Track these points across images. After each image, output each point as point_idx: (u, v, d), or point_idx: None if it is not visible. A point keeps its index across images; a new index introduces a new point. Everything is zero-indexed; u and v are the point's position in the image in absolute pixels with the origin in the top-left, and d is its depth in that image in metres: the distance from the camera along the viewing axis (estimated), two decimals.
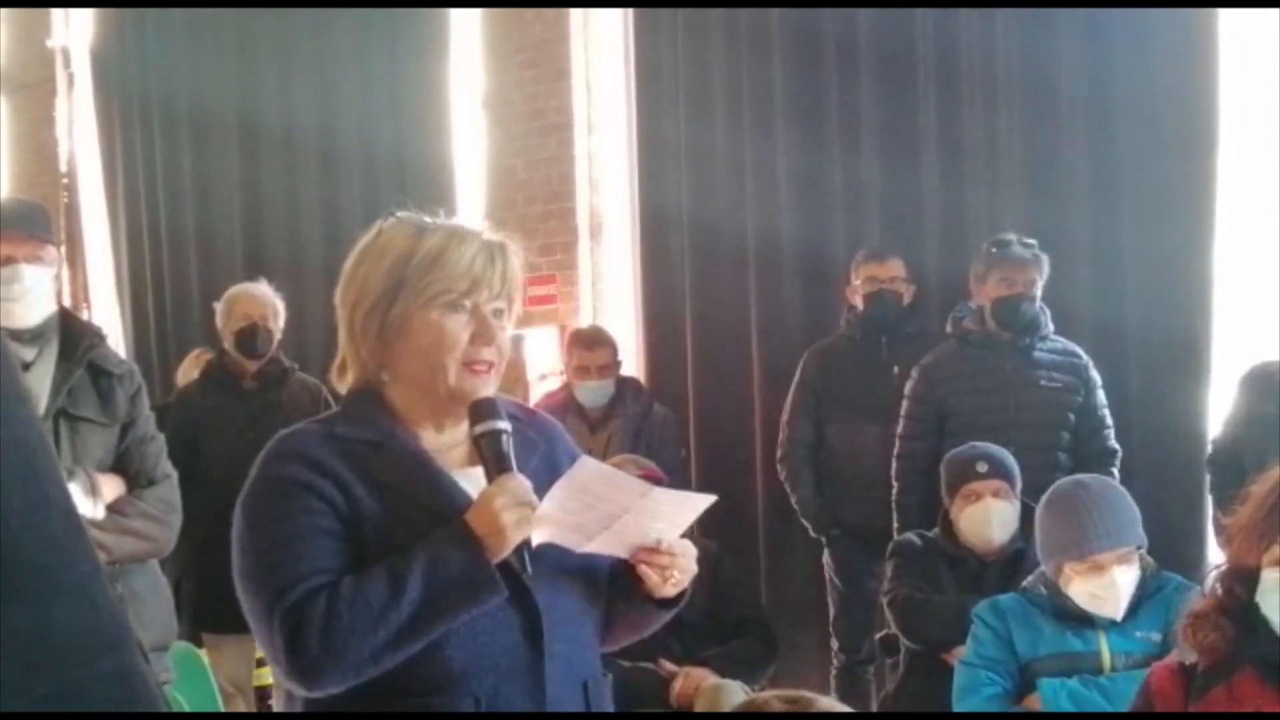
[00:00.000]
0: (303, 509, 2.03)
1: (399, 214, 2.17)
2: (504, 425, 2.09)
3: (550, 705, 2.07)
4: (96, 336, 3.31)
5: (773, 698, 1.85)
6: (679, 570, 2.12)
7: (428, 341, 2.08)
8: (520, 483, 2.03)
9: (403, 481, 2.08)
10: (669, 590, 2.14)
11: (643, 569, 2.11)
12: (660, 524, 2.09)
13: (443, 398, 2.11)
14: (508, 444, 2.08)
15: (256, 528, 2.06)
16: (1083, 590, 3.51)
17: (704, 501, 2.13)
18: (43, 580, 0.66)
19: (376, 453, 2.08)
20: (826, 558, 5.50)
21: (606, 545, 2.09)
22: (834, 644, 5.45)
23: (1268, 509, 2.30)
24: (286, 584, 1.98)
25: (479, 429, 2.09)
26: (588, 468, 2.05)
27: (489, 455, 2.08)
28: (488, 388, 2.12)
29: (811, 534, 5.51)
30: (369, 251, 2.14)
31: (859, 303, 5.40)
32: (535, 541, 2.03)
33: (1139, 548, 3.58)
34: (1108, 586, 3.50)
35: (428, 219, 2.16)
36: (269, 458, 2.10)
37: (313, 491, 2.03)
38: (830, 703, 1.91)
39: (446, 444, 2.16)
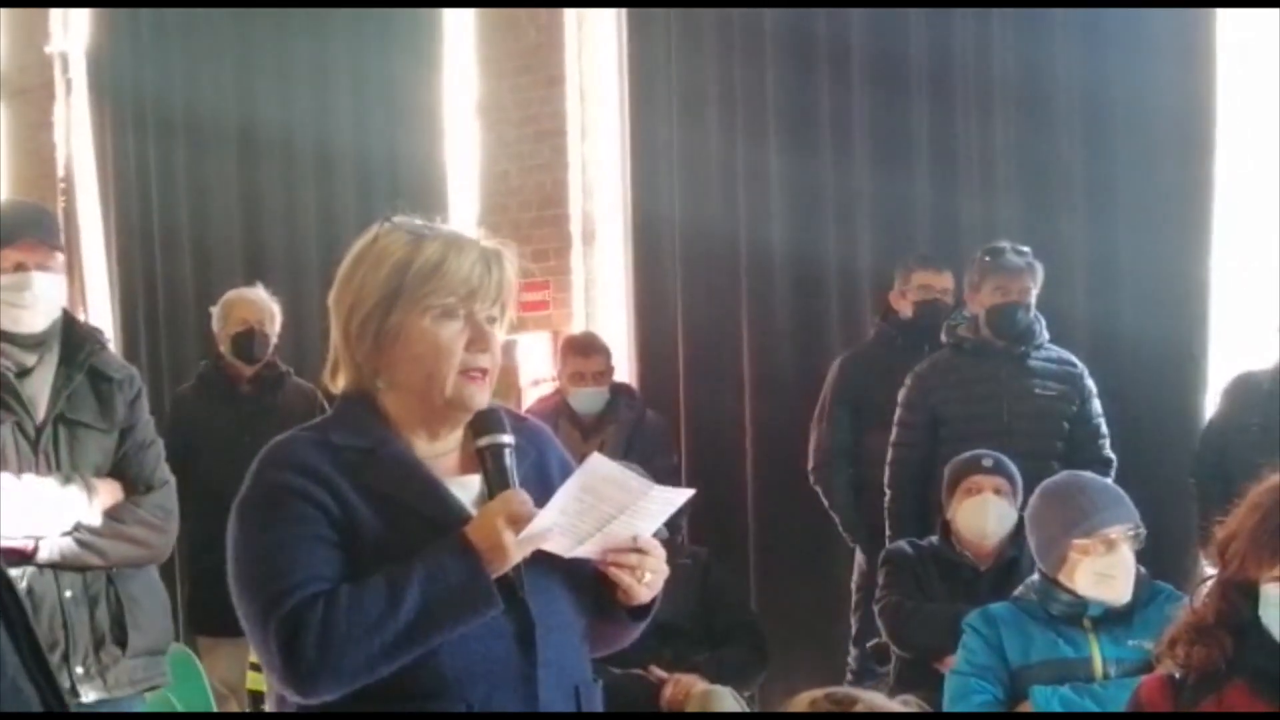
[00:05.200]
0: (298, 516, 2.02)
1: (395, 219, 2.15)
2: (508, 439, 2.10)
3: (542, 711, 2.06)
4: (98, 342, 3.29)
5: (822, 697, 1.83)
6: (649, 570, 2.11)
7: (423, 350, 2.08)
8: (523, 500, 2.03)
9: (397, 489, 2.07)
10: (643, 593, 2.13)
11: (614, 572, 2.09)
12: (642, 522, 2.08)
13: (438, 405, 2.11)
14: (511, 459, 2.10)
15: (252, 534, 2.06)
16: (1090, 571, 3.46)
17: (683, 495, 2.11)
18: None
19: (370, 460, 2.08)
20: (860, 562, 5.37)
21: (594, 549, 2.08)
22: (852, 651, 5.32)
23: (1270, 520, 2.28)
24: (283, 591, 1.98)
25: (484, 441, 2.11)
26: (598, 469, 2.03)
27: (492, 469, 2.09)
28: (483, 395, 2.12)
29: (848, 543, 5.41)
30: (365, 257, 2.13)
31: (907, 309, 5.34)
32: (527, 544, 2.02)
33: (1140, 533, 3.54)
34: (1119, 565, 3.47)
35: (423, 225, 2.15)
36: (263, 464, 2.10)
37: (308, 499, 2.03)
38: (875, 698, 1.90)
39: (438, 451, 2.16)
